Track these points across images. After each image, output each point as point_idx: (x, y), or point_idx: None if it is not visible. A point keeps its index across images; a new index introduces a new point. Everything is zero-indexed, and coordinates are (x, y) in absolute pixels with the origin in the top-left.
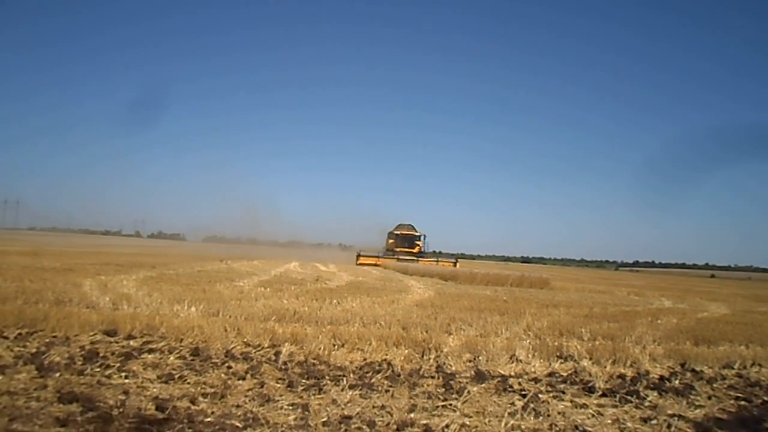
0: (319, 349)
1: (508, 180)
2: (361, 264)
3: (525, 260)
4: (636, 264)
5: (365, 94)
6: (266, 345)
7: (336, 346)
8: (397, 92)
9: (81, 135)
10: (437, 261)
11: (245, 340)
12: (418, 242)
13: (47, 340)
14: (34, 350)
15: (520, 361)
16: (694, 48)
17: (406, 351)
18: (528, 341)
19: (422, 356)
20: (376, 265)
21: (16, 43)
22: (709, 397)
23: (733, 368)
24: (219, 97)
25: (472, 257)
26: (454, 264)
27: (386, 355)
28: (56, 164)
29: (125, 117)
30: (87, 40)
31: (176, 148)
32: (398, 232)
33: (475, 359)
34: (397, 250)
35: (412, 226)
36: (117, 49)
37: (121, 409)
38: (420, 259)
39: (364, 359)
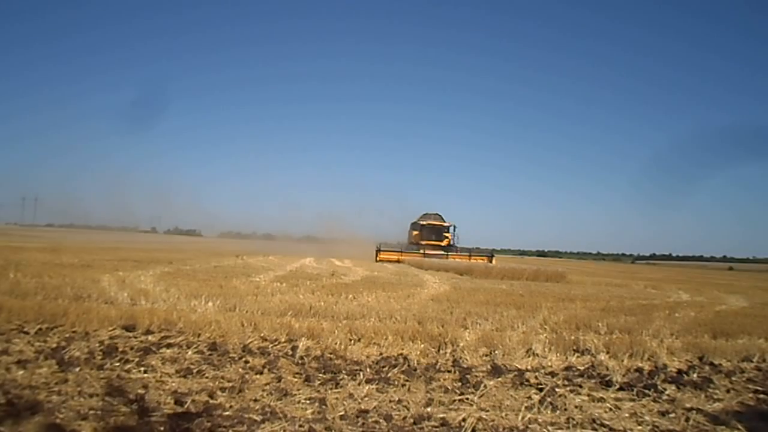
0: (336, 343)
1: (524, 174)
2: (381, 260)
3: (541, 254)
4: (653, 257)
5: (380, 90)
6: (283, 340)
7: (352, 341)
8: (411, 87)
9: (95, 130)
10: (470, 256)
11: (262, 334)
12: (446, 234)
13: (67, 335)
14: (54, 345)
15: (537, 355)
16: (706, 45)
17: (422, 345)
18: (544, 335)
19: (438, 350)
20: (399, 261)
21: (18, 37)
22: (728, 391)
23: (752, 361)
24: (226, 91)
25: (471, 250)
26: (490, 259)
27: (402, 349)
28: (72, 160)
29: (134, 112)
30: (94, 32)
31: (183, 144)
32: (424, 223)
33: (491, 353)
34: (423, 243)
35: (440, 215)
36: (124, 44)
37: (140, 403)
38: (450, 254)
39: (381, 354)
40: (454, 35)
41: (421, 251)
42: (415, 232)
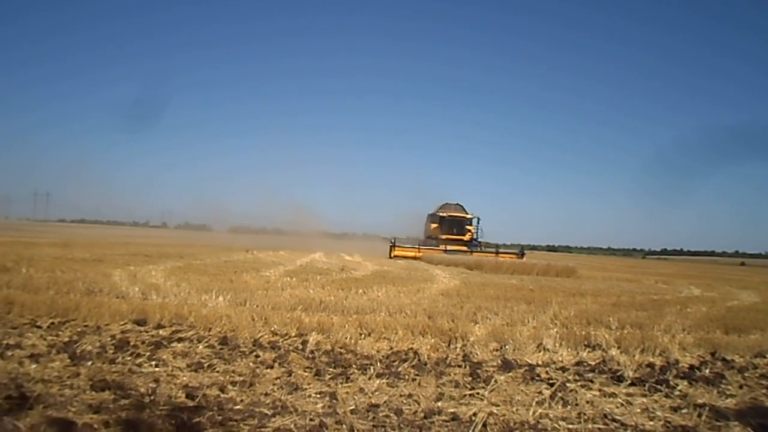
0: (346, 338)
1: (534, 170)
2: (397, 257)
3: (551, 249)
4: (664, 252)
5: (384, 86)
6: (293, 334)
7: (362, 335)
8: (419, 84)
9: (103, 124)
10: (497, 252)
11: (272, 329)
12: (469, 227)
13: (79, 330)
14: (66, 339)
15: (548, 350)
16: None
17: (433, 340)
18: (555, 330)
19: (448, 345)
20: (415, 258)
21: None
22: (741, 387)
23: (765, 357)
24: (230, 87)
25: (497, 246)
26: (521, 256)
27: (412, 344)
28: (83, 156)
29: (141, 108)
30: (100, 28)
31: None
32: (444, 214)
33: (501, 348)
34: (443, 237)
35: (461, 206)
36: (133, 38)
37: (152, 397)
38: (473, 251)
39: (391, 348)
40: (464, 33)
41: (441, 247)
42: (434, 225)
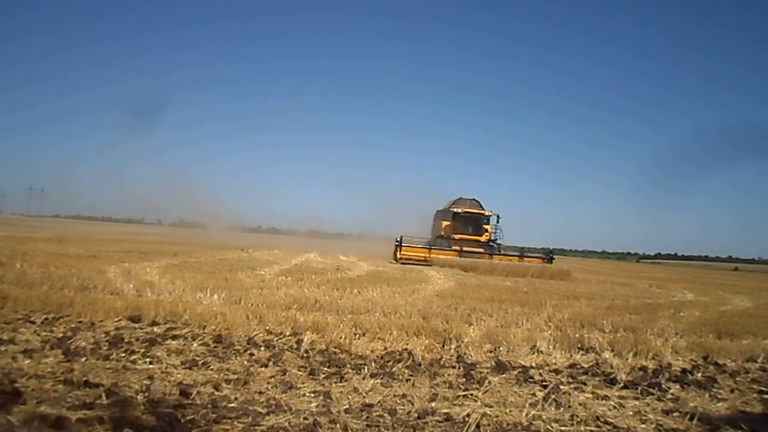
0: (341, 337)
1: (529, 173)
2: (404, 259)
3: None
4: (658, 256)
5: (376, 87)
6: (288, 333)
7: (357, 335)
8: (414, 84)
9: (101, 121)
10: (521, 256)
11: (267, 328)
12: (486, 226)
13: (73, 326)
14: (60, 335)
15: (541, 352)
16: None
17: (427, 341)
18: (549, 332)
19: (443, 346)
20: (425, 261)
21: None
22: (732, 391)
23: (756, 362)
24: (224, 84)
25: (522, 249)
26: (548, 260)
27: (407, 344)
28: (78, 152)
29: (140, 105)
30: (98, 24)
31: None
32: (458, 210)
33: (495, 350)
34: (456, 237)
35: (477, 201)
36: (127, 36)
37: (146, 394)
38: (494, 254)
39: (385, 348)
40: (461, 34)
41: (455, 248)
42: (446, 223)
